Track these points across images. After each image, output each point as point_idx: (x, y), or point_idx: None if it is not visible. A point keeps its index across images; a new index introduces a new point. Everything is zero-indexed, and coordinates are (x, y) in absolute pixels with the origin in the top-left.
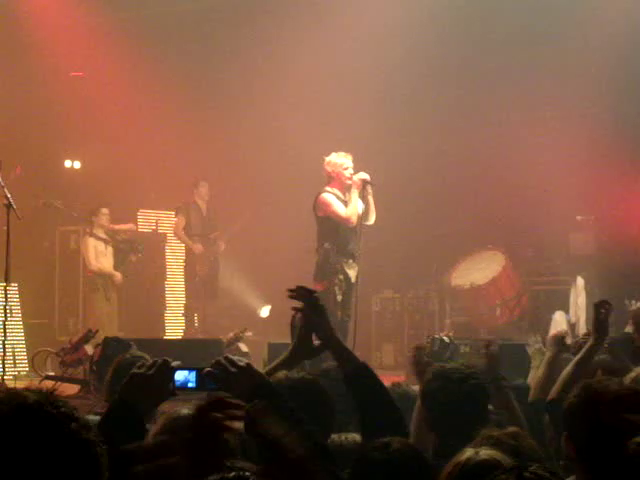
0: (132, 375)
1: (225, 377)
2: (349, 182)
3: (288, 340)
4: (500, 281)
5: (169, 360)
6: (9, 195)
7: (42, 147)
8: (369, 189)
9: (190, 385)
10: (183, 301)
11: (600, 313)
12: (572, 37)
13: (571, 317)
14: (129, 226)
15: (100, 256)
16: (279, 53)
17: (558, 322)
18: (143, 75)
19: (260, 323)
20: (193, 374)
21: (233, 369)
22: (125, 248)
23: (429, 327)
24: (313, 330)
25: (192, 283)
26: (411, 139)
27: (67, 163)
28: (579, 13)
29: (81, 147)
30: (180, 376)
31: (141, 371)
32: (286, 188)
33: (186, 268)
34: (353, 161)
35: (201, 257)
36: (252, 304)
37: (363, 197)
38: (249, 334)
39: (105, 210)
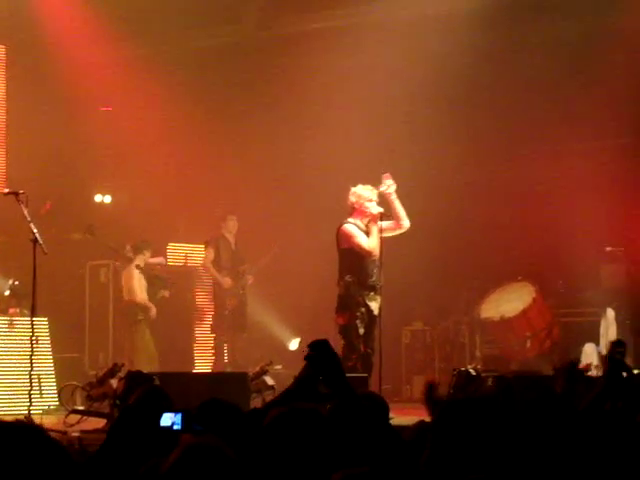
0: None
1: (211, 420)
2: (369, 215)
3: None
4: (530, 313)
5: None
6: (35, 230)
7: (72, 182)
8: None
9: (175, 427)
10: (212, 334)
11: (614, 359)
12: (595, 68)
13: (602, 349)
14: (159, 259)
15: (143, 289)
16: (303, 85)
17: (588, 354)
18: (171, 109)
19: (289, 356)
20: (179, 416)
21: (220, 412)
22: (157, 283)
23: (459, 359)
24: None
25: (221, 316)
26: (440, 171)
27: (97, 197)
28: (601, 44)
29: (111, 181)
30: (167, 420)
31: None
32: (313, 221)
33: (215, 301)
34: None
35: (230, 290)
36: (281, 337)
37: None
38: (278, 367)
39: (150, 245)
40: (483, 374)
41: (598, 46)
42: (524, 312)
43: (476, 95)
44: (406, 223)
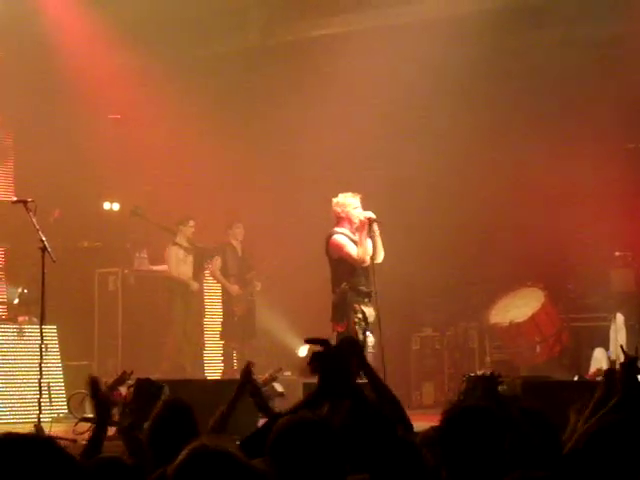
0: None
1: None
2: (356, 222)
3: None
4: (539, 318)
5: None
6: (44, 238)
7: (81, 189)
8: (375, 227)
9: None
10: (221, 341)
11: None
12: (608, 70)
13: (611, 354)
14: (164, 267)
15: (180, 264)
16: (310, 92)
17: (598, 359)
18: (179, 117)
19: (298, 362)
20: None
21: None
22: (202, 255)
23: (469, 365)
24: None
25: (230, 323)
26: (446, 177)
27: (106, 205)
28: (617, 45)
29: (119, 189)
30: None
31: None
32: (321, 227)
33: (224, 308)
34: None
35: (238, 297)
36: (290, 343)
37: (370, 235)
38: (287, 374)
39: (192, 222)
40: None
41: (611, 49)
42: (533, 317)
43: (485, 99)
44: (379, 259)
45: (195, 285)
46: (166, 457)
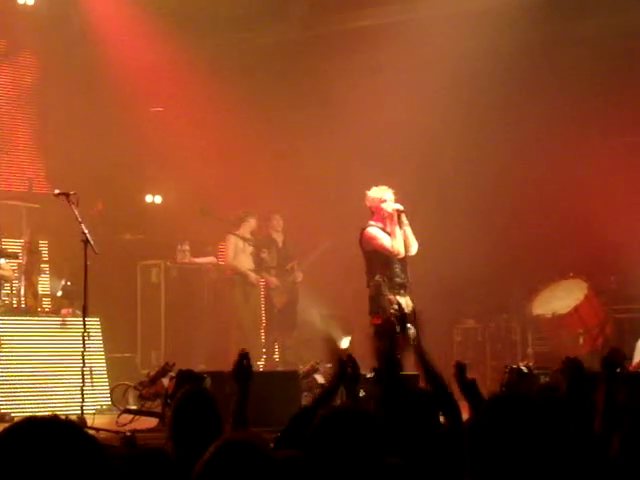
0: None
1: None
2: (385, 215)
3: (365, 371)
4: (582, 310)
5: None
6: (86, 231)
7: (123, 182)
8: (404, 219)
9: None
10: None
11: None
12: None
13: None
14: (210, 259)
15: (239, 253)
16: (352, 82)
17: None
18: (221, 109)
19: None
20: None
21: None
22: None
23: (511, 357)
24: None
25: (271, 315)
26: (490, 169)
27: (148, 198)
28: None
29: (162, 182)
30: None
31: None
32: (366, 219)
33: (265, 300)
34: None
35: (277, 289)
36: (332, 335)
37: (400, 227)
38: (329, 365)
39: (256, 215)
40: (535, 371)
41: None
42: (576, 309)
43: (526, 92)
44: (413, 250)
45: (253, 276)
46: (186, 446)
